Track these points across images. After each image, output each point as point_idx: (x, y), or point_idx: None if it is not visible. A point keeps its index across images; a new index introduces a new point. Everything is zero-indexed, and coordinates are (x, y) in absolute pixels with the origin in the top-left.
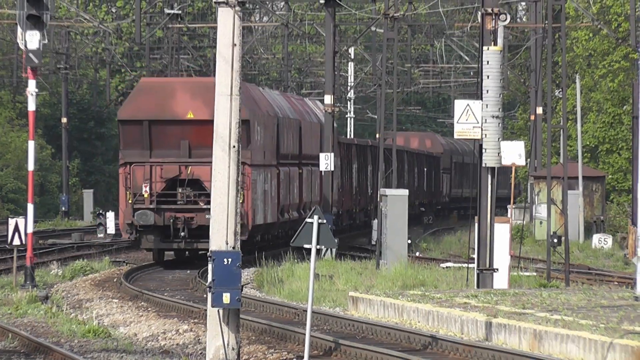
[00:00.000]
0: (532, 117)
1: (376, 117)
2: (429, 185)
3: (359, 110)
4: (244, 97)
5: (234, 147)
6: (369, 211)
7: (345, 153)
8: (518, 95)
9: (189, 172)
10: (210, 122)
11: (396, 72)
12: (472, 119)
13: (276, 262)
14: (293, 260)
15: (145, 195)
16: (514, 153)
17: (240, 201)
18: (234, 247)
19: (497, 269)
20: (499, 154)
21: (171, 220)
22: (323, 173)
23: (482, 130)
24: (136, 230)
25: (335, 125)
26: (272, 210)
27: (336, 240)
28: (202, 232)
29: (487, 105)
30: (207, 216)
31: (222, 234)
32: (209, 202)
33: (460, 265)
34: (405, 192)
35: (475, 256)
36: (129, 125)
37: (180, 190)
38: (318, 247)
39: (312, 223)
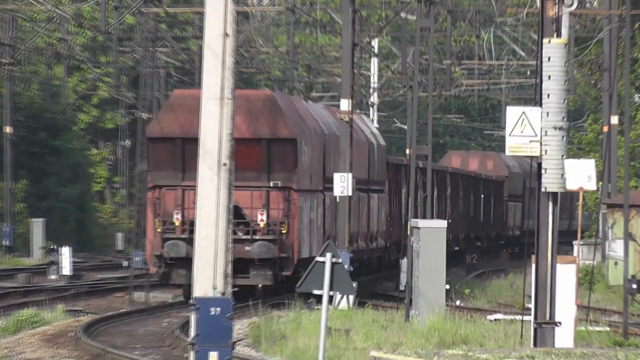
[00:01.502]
0: (605, 129)
1: (406, 127)
2: (487, 215)
3: (384, 119)
4: (289, 111)
5: (224, 165)
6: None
7: (394, 175)
8: (587, 100)
9: None
10: (252, 142)
11: (432, 71)
12: (528, 130)
13: (279, 310)
14: (299, 308)
15: (177, 224)
16: (581, 175)
17: (284, 231)
18: (223, 293)
19: (560, 323)
20: (562, 175)
21: None
22: (352, 201)
23: (541, 145)
24: (165, 264)
25: (383, 143)
26: (317, 242)
27: (355, 285)
28: (242, 265)
29: (547, 113)
30: (246, 248)
31: (208, 275)
32: (248, 232)
33: (512, 317)
34: (443, 223)
35: (531, 306)
36: (159, 143)
37: None
38: (331, 293)
39: (323, 263)
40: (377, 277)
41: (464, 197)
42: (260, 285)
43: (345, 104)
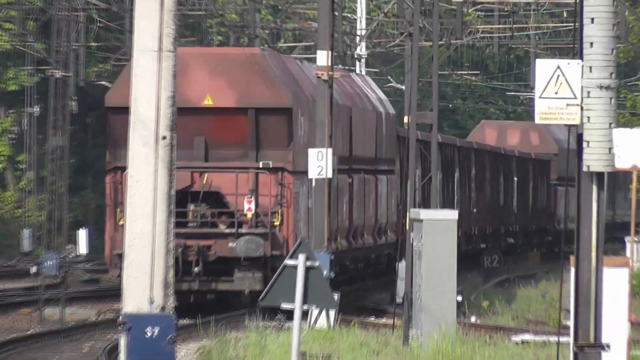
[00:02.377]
0: None
1: (404, 87)
2: (522, 203)
3: (375, 77)
4: (281, 74)
5: (164, 138)
6: None
7: (407, 152)
8: None
9: (205, 181)
10: (237, 112)
11: (437, 13)
12: (565, 91)
13: (237, 331)
14: (262, 328)
15: None
16: (636, 148)
17: (277, 223)
18: (163, 308)
19: (609, 346)
20: (610, 150)
21: (180, 250)
22: (355, 186)
23: (582, 110)
24: None
25: (392, 111)
26: (316, 238)
27: (336, 297)
28: (224, 266)
29: (590, 67)
30: (230, 245)
31: (143, 284)
32: (232, 225)
33: (545, 338)
34: (454, 214)
35: (570, 323)
36: (121, 115)
37: (192, 207)
38: (306, 308)
39: (294, 268)
40: (384, 282)
41: (492, 180)
42: (247, 291)
43: (323, 58)
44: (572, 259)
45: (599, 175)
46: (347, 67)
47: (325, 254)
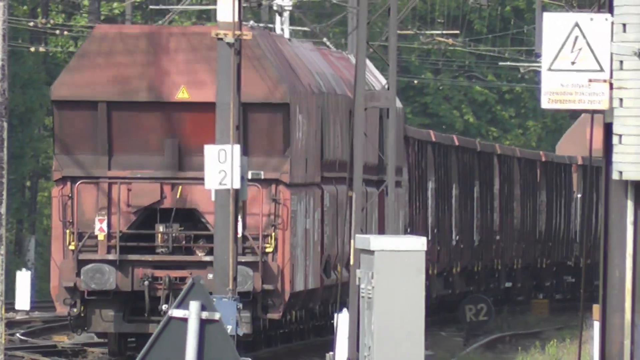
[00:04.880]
0: None
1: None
2: (561, 227)
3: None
4: (275, 60)
5: None
6: (472, 272)
7: (416, 158)
8: None
9: (178, 195)
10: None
11: None
12: (586, 59)
13: None
14: None
15: (101, 237)
16: None
17: (270, 249)
18: None
19: None
20: None
21: (146, 283)
22: (338, 197)
23: (611, 88)
24: (81, 300)
25: (400, 104)
26: (314, 267)
27: None
28: None
29: (624, 25)
30: (210, 276)
31: None
32: (212, 251)
33: None
34: (421, 242)
35: None
36: (70, 111)
37: (162, 228)
38: None
39: (183, 322)
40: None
41: (524, 195)
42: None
43: (226, 9)
44: (596, 309)
45: (638, 186)
46: (262, 24)
47: (230, 302)
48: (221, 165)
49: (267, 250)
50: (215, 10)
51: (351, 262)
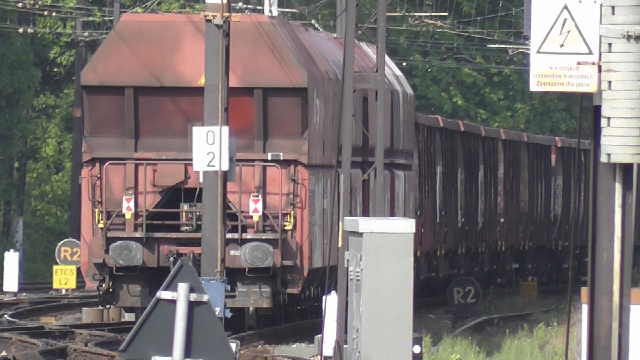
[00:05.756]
0: None
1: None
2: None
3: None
4: (294, 46)
5: None
6: (477, 253)
7: (425, 143)
8: None
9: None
10: (241, 92)
11: None
12: (574, 42)
13: None
14: None
15: (128, 216)
16: None
17: (289, 227)
18: None
19: None
20: None
21: (171, 259)
22: (352, 179)
23: (599, 71)
24: (110, 275)
25: (411, 91)
26: (331, 245)
27: (235, 347)
28: (227, 277)
29: (612, 8)
30: (232, 252)
31: None
32: (236, 229)
33: None
34: (410, 224)
35: None
36: (98, 96)
37: (186, 207)
38: None
39: (171, 303)
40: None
41: (531, 180)
42: (252, 309)
43: None
44: (585, 292)
45: (626, 168)
46: (249, 7)
47: (218, 283)
48: (209, 147)
49: (287, 228)
50: None
51: (339, 244)
